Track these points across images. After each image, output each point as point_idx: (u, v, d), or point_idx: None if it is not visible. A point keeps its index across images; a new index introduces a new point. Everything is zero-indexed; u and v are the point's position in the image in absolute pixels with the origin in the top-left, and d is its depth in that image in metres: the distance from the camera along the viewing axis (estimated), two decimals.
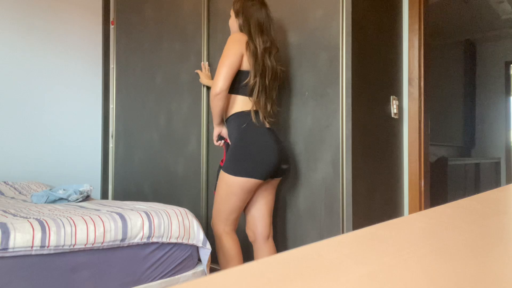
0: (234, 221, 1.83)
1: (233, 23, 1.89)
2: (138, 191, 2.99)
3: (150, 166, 2.90)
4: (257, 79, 1.77)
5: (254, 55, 1.76)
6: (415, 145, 2.26)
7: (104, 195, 3.35)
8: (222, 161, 1.94)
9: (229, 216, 1.81)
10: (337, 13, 1.88)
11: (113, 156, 3.26)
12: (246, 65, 1.77)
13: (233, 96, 1.82)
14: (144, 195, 2.92)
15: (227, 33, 2.42)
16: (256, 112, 1.80)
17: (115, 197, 3.22)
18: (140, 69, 3.03)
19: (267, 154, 1.73)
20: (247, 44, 1.76)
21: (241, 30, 1.84)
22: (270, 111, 1.83)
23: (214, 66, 2.47)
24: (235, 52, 1.74)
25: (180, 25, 2.69)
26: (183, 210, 1.79)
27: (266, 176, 1.76)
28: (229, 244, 1.81)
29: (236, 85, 1.79)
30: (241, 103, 1.80)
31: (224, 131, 1.94)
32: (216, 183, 1.91)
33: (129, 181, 3.10)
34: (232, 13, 1.90)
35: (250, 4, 1.85)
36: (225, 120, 1.88)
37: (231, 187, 1.76)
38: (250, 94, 1.79)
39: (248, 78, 1.77)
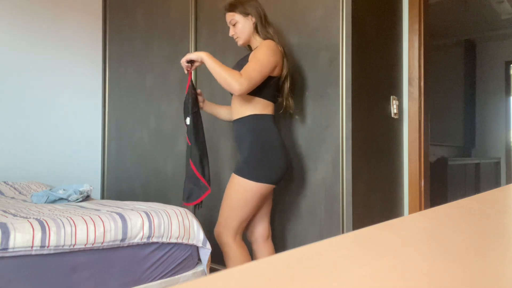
0: (243, 229, 1.80)
1: (245, 25, 1.80)
2: (129, 190, 3.02)
3: (140, 165, 2.94)
4: (286, 82, 1.82)
5: (285, 62, 1.79)
6: (415, 145, 2.26)
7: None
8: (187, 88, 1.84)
9: (241, 224, 1.75)
10: (337, 13, 1.88)
11: (106, 155, 3.29)
12: (276, 72, 1.75)
13: (251, 97, 1.74)
14: (135, 194, 2.96)
15: (213, 37, 2.45)
16: (273, 116, 1.80)
17: (107, 196, 3.25)
18: (131, 71, 3.08)
19: (284, 159, 1.73)
20: (282, 54, 1.76)
21: (256, 29, 1.81)
22: (291, 110, 1.91)
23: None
24: (272, 63, 1.69)
25: (169, 29, 2.75)
26: (183, 210, 1.79)
27: (280, 181, 1.76)
28: (242, 254, 1.74)
29: (261, 87, 1.72)
30: (261, 106, 1.75)
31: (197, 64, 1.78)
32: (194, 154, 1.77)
33: (120, 180, 3.14)
34: (239, 16, 1.80)
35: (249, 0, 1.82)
36: (237, 119, 1.79)
37: (249, 193, 1.69)
38: (272, 98, 1.78)
39: (278, 84, 1.81)
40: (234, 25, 1.82)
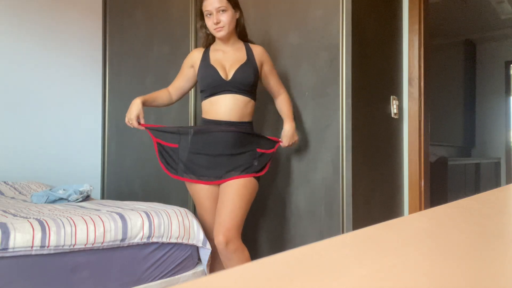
0: None
1: (233, 16, 1.74)
2: (129, 190, 3.02)
3: (140, 165, 2.94)
4: None
5: None
6: (415, 145, 2.26)
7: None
8: None
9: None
10: (337, 13, 1.88)
11: (106, 155, 3.29)
12: None
13: (253, 102, 1.81)
14: (135, 194, 2.96)
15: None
16: None
17: (108, 196, 3.25)
18: (131, 71, 3.07)
19: None
20: None
21: (240, 26, 1.79)
22: None
23: None
24: None
25: (169, 30, 2.74)
26: (183, 210, 1.79)
27: None
28: (248, 254, 1.71)
29: (255, 92, 1.83)
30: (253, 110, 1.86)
31: None
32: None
33: (120, 180, 3.14)
34: (229, 6, 1.71)
35: None
36: (240, 122, 1.74)
37: (255, 193, 1.75)
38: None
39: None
40: (221, 11, 1.69)
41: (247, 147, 1.76)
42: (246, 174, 1.71)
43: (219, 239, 1.63)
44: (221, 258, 1.71)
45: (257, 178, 1.76)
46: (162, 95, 1.87)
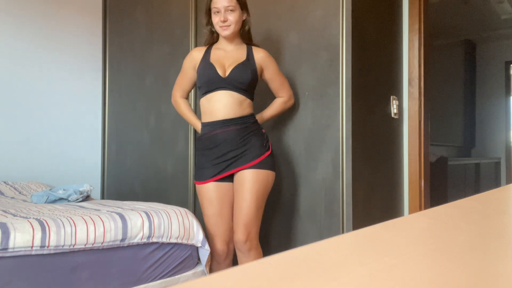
0: None
1: (241, 16, 1.76)
2: (129, 190, 3.03)
3: (140, 165, 2.94)
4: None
5: None
6: (415, 145, 2.26)
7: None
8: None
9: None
10: (337, 13, 1.88)
11: (106, 155, 3.30)
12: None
13: (247, 99, 1.79)
14: (135, 194, 2.96)
15: None
16: None
17: (108, 196, 3.25)
18: (131, 71, 3.08)
19: None
20: None
21: (245, 28, 1.80)
22: None
23: None
24: None
25: (169, 29, 2.74)
26: (183, 210, 1.79)
27: None
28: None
29: (253, 91, 1.83)
30: (251, 105, 1.84)
31: None
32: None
33: (120, 180, 3.14)
34: (238, 7, 1.74)
35: None
36: (238, 117, 1.75)
37: (270, 185, 1.73)
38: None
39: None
40: (230, 11, 1.72)
41: (253, 134, 1.76)
42: (257, 159, 1.71)
43: (238, 236, 1.66)
44: (237, 255, 1.73)
45: (273, 168, 1.75)
46: (188, 106, 1.98)
